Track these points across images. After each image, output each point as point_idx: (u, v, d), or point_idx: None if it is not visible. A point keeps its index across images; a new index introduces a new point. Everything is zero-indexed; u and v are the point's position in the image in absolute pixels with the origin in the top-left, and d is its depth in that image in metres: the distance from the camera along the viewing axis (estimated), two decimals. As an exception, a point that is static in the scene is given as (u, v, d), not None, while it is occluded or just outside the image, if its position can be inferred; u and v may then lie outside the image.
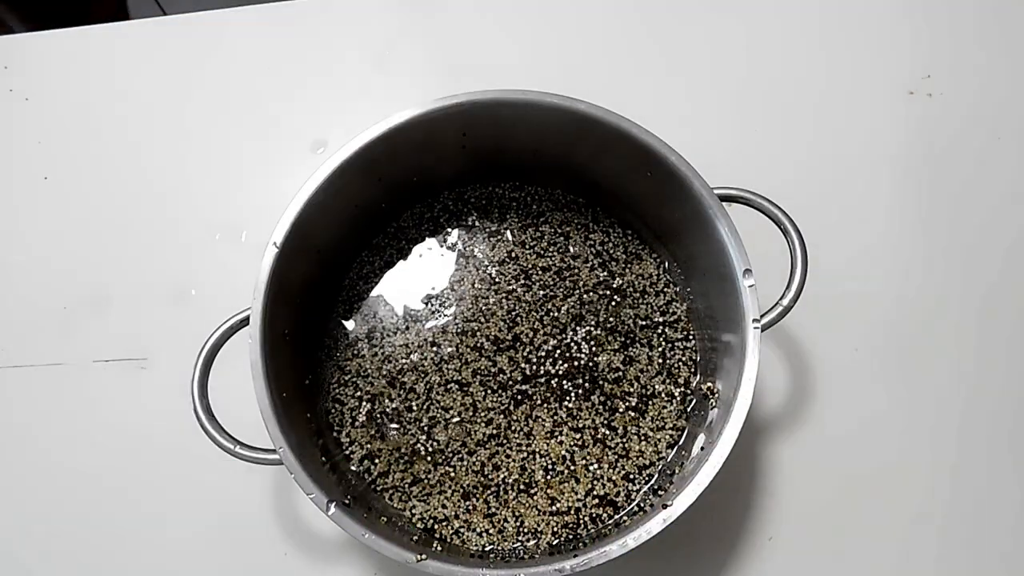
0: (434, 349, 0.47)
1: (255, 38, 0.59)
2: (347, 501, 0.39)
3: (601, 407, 0.46)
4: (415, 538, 0.42)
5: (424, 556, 0.37)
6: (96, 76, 0.59)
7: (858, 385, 0.51)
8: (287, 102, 0.58)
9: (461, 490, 0.45)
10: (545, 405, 0.46)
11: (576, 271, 0.48)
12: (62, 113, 0.58)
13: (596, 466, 0.45)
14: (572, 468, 0.45)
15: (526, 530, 0.44)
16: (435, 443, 0.45)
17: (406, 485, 0.45)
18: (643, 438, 0.45)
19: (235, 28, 0.60)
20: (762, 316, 0.40)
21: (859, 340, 0.52)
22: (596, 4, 0.60)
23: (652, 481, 0.45)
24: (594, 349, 0.47)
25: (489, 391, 0.46)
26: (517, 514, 0.44)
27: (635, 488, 0.44)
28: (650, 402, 0.46)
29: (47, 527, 0.50)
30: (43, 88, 0.58)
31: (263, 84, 0.58)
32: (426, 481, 0.45)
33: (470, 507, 0.44)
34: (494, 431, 0.45)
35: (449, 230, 0.50)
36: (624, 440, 0.45)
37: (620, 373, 0.46)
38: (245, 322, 0.41)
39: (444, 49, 0.59)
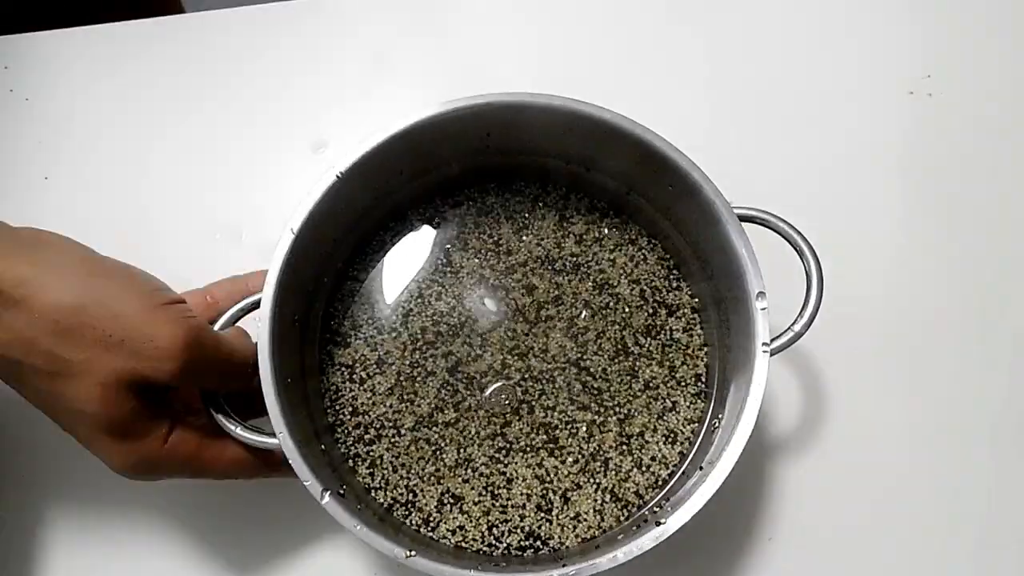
0: (440, 348, 0.47)
1: (255, 38, 0.59)
2: (342, 491, 0.40)
3: (605, 420, 0.45)
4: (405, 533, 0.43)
5: (414, 552, 0.37)
6: (96, 76, 0.58)
7: (864, 397, 0.51)
8: (287, 102, 0.58)
9: (457, 491, 0.45)
10: (549, 414, 0.46)
11: (588, 281, 0.48)
12: (62, 113, 0.57)
13: (596, 479, 0.45)
14: (572, 481, 0.45)
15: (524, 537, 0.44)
16: (434, 442, 0.45)
17: (400, 483, 0.45)
18: (645, 454, 0.45)
19: (235, 28, 0.59)
20: (772, 340, 0.40)
21: (864, 351, 0.51)
22: (598, 4, 0.59)
23: (650, 496, 0.44)
24: (601, 361, 0.46)
25: (490, 394, 0.46)
26: (514, 519, 0.44)
27: (633, 503, 0.44)
28: (655, 419, 0.46)
29: (45, 528, 0.50)
30: (43, 88, 0.58)
31: (263, 84, 0.58)
32: (423, 479, 0.45)
33: (465, 508, 0.44)
34: (492, 434, 0.45)
35: (464, 229, 0.49)
36: (626, 455, 0.45)
37: (627, 387, 0.46)
38: (255, 305, 0.41)
39: (445, 49, 0.59)
